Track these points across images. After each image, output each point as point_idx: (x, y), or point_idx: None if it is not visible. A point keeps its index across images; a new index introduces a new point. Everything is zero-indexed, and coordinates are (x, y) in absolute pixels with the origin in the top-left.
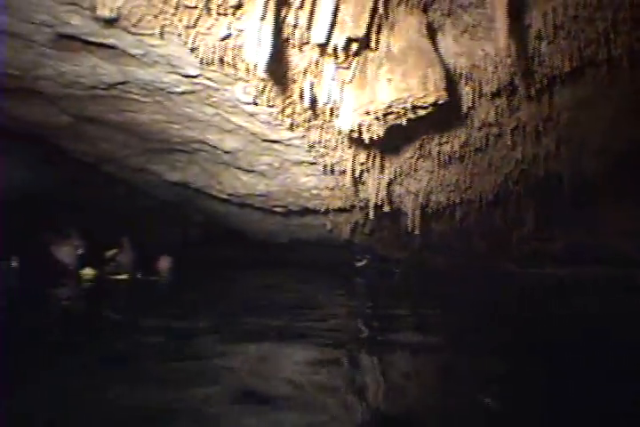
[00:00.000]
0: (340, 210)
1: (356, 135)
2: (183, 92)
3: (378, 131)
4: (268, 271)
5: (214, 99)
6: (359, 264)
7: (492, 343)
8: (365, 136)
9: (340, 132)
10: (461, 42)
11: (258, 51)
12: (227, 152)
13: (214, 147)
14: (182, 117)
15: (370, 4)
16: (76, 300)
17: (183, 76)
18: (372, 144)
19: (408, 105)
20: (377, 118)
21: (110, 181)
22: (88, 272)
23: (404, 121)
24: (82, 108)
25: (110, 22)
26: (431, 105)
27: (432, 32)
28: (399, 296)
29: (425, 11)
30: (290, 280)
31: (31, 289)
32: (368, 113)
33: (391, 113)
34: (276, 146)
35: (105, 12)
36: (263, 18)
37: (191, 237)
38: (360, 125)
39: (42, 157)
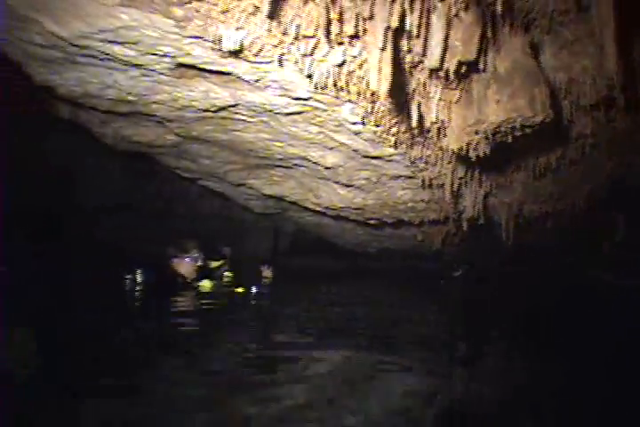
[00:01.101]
0: (434, 222)
1: (463, 153)
2: (290, 113)
3: (485, 149)
4: (359, 281)
5: (320, 119)
6: (455, 274)
7: None
8: (472, 154)
9: (442, 149)
10: (559, 57)
11: (379, 78)
12: (327, 168)
13: (315, 163)
14: (286, 136)
15: (478, 29)
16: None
17: (293, 98)
18: (476, 160)
19: (517, 125)
20: (486, 137)
21: (204, 195)
22: (206, 284)
23: (509, 139)
24: (190, 128)
25: (234, 53)
26: (538, 124)
27: (534, 51)
28: (497, 312)
29: (527, 30)
30: (383, 291)
31: (158, 303)
32: (477, 132)
33: (499, 132)
34: (375, 162)
35: (229, 45)
36: (384, 48)
37: (281, 248)
38: (468, 144)
39: (140, 171)
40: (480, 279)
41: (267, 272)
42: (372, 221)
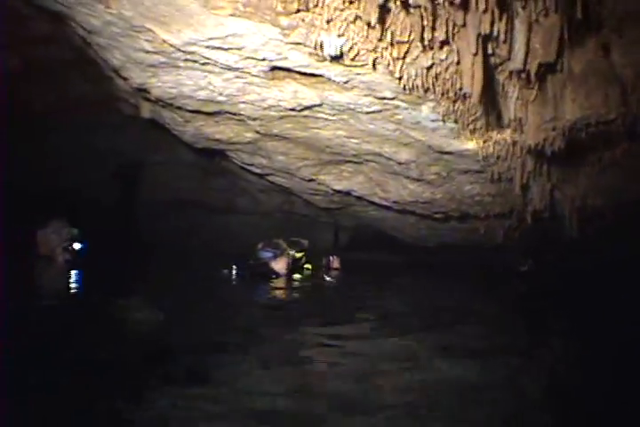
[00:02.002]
0: (498, 215)
1: (539, 148)
2: (371, 112)
3: (560, 144)
4: (419, 274)
5: (399, 116)
6: (523, 269)
7: None
8: (547, 149)
9: (514, 144)
10: (626, 55)
11: (472, 82)
12: (400, 163)
13: (389, 158)
14: (363, 133)
15: (557, 33)
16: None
17: (378, 98)
18: (547, 155)
19: (592, 121)
20: (562, 134)
21: (266, 191)
22: (297, 277)
23: (583, 135)
24: (271, 126)
25: (335, 58)
26: (611, 120)
27: (606, 51)
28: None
29: (598, 31)
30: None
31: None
32: (554, 129)
33: (574, 129)
34: (447, 157)
35: (331, 51)
36: (476, 53)
37: (341, 242)
38: (545, 140)
39: (206, 169)
40: (541, 272)
41: (336, 263)
42: (437, 215)
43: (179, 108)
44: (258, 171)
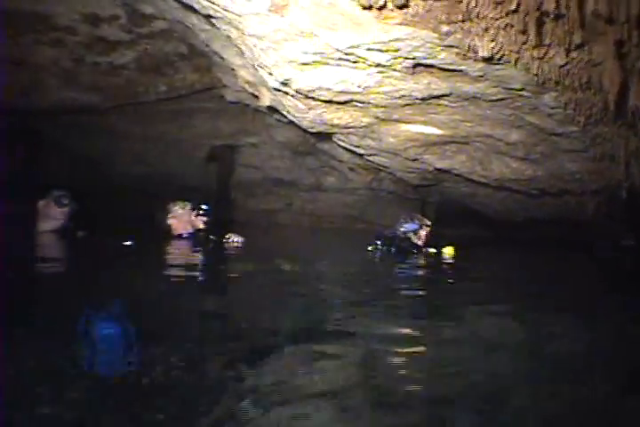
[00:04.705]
0: (594, 191)
1: None
2: (495, 100)
3: None
4: (508, 249)
5: (518, 103)
6: (626, 243)
7: None
8: None
9: (621, 126)
10: None
11: (611, 83)
12: (508, 144)
13: (498, 139)
14: (478, 117)
15: None
16: None
17: (506, 88)
18: None
19: None
20: None
21: (355, 169)
22: (448, 252)
23: None
24: (393, 112)
25: (486, 60)
26: None
27: None
28: None
29: None
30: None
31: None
32: None
33: None
34: (554, 138)
35: (484, 54)
36: (615, 57)
37: (426, 217)
38: None
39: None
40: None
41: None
42: (533, 191)
43: (311, 97)
44: (362, 151)
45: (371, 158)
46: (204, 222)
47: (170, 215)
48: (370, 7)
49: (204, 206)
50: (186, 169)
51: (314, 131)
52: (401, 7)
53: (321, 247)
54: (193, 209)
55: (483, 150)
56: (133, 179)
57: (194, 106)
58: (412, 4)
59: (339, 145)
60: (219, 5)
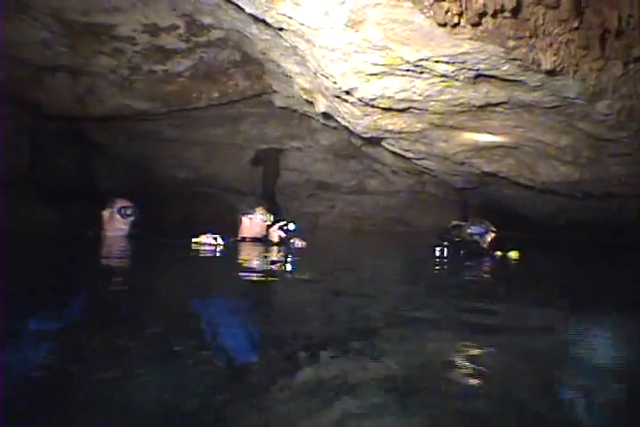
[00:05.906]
0: (637, 195)
1: None
2: (549, 107)
3: None
4: (553, 252)
5: (570, 111)
6: None
7: None
8: None
9: None
10: None
11: None
12: (557, 148)
13: (548, 144)
14: (530, 123)
15: None
16: None
17: (561, 97)
18: None
19: None
20: None
21: (398, 173)
22: (514, 256)
23: None
24: (448, 119)
25: (548, 72)
26: None
27: None
28: None
29: None
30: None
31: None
32: None
33: None
34: (602, 143)
35: (547, 66)
36: None
37: (466, 219)
38: None
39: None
40: None
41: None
42: (578, 194)
43: (370, 105)
44: (410, 155)
45: (419, 162)
46: (280, 237)
47: (248, 217)
48: (445, 24)
49: (291, 225)
50: (232, 172)
51: (367, 136)
52: (474, 24)
53: (380, 249)
54: (276, 222)
55: (531, 154)
56: (178, 182)
57: (242, 111)
58: (483, 21)
59: (386, 149)
60: (296, 20)
